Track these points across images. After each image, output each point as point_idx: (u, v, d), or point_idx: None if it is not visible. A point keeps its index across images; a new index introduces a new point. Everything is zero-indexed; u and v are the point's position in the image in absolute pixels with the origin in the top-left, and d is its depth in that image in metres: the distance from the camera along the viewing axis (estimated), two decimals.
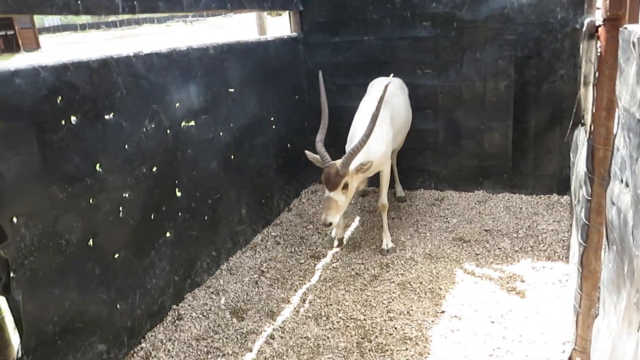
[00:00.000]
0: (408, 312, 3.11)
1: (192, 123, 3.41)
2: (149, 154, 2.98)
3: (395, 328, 2.97)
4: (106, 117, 2.66)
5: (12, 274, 2.12)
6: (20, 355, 2.19)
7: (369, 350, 2.81)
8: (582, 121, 2.35)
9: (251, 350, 2.90)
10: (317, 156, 3.46)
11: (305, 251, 4.04)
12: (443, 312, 3.10)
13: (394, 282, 3.47)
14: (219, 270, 3.77)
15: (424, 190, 5.01)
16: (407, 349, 2.79)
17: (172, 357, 2.87)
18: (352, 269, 3.68)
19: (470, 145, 4.72)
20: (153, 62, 3.00)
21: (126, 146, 2.80)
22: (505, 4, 4.24)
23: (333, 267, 3.76)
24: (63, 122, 2.40)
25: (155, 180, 3.04)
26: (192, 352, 2.91)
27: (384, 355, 2.76)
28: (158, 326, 3.12)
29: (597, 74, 1.87)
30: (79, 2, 2.44)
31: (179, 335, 3.04)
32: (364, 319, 3.09)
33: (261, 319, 3.18)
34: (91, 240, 2.58)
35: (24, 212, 2.20)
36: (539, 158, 4.54)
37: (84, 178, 2.52)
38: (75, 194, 2.48)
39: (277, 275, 3.70)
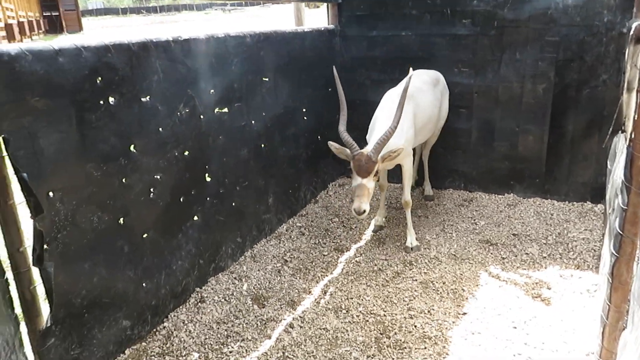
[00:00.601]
0: (429, 311, 3.09)
1: (225, 110, 3.45)
2: (182, 138, 3.03)
3: (415, 326, 2.96)
4: (143, 99, 2.72)
5: (45, 246, 2.20)
6: (49, 324, 2.27)
7: (387, 346, 2.80)
8: (623, 128, 2.28)
9: (270, 338, 2.93)
10: (340, 147, 3.45)
11: (329, 243, 4.05)
12: (465, 313, 3.06)
13: (416, 280, 3.45)
14: (243, 256, 3.82)
15: (453, 190, 4.94)
16: (425, 348, 2.77)
17: (193, 338, 2.93)
18: (375, 264, 3.68)
19: (503, 147, 4.63)
20: (190, 48, 3.04)
21: (160, 129, 2.86)
22: (549, 5, 4.12)
23: (356, 261, 3.76)
24: (102, 102, 2.46)
25: (186, 164, 3.09)
26: (212, 335, 2.96)
27: (402, 352, 2.75)
28: (181, 307, 3.19)
29: None
30: None
31: (201, 318, 3.10)
32: (384, 315, 3.08)
33: (282, 308, 3.21)
34: (122, 219, 2.65)
35: (60, 187, 2.27)
36: (574, 164, 4.42)
37: (118, 158, 2.59)
38: (109, 173, 2.54)
39: (299, 265, 3.72)
